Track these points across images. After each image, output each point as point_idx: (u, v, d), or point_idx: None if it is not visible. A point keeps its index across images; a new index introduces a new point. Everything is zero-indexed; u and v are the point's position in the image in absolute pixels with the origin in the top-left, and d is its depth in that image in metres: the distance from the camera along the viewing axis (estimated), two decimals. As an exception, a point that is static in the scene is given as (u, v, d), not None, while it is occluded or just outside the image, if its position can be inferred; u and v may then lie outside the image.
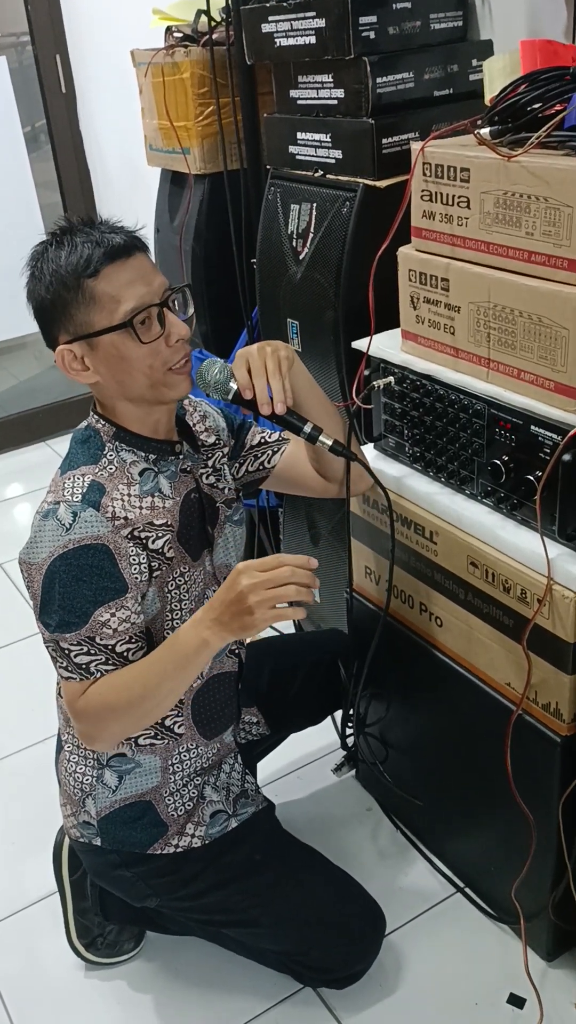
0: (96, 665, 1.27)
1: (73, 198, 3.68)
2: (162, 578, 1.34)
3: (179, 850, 1.47)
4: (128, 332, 1.24)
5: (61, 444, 3.68)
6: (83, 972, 1.68)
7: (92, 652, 1.26)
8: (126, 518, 1.30)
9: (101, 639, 1.26)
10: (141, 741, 1.43)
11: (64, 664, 1.28)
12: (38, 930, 1.76)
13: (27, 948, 1.73)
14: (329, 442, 1.36)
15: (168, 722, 1.43)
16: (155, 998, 1.62)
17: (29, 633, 2.60)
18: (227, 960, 1.63)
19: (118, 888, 1.53)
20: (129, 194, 3.32)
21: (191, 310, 1.35)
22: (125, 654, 1.28)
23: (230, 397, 1.33)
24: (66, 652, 1.27)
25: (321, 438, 1.35)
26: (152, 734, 1.43)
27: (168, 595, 1.36)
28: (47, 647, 1.30)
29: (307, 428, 1.35)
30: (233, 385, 1.32)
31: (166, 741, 1.45)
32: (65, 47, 3.44)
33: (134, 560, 1.29)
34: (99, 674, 1.27)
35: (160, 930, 1.67)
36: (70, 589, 1.24)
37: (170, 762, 1.46)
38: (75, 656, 1.26)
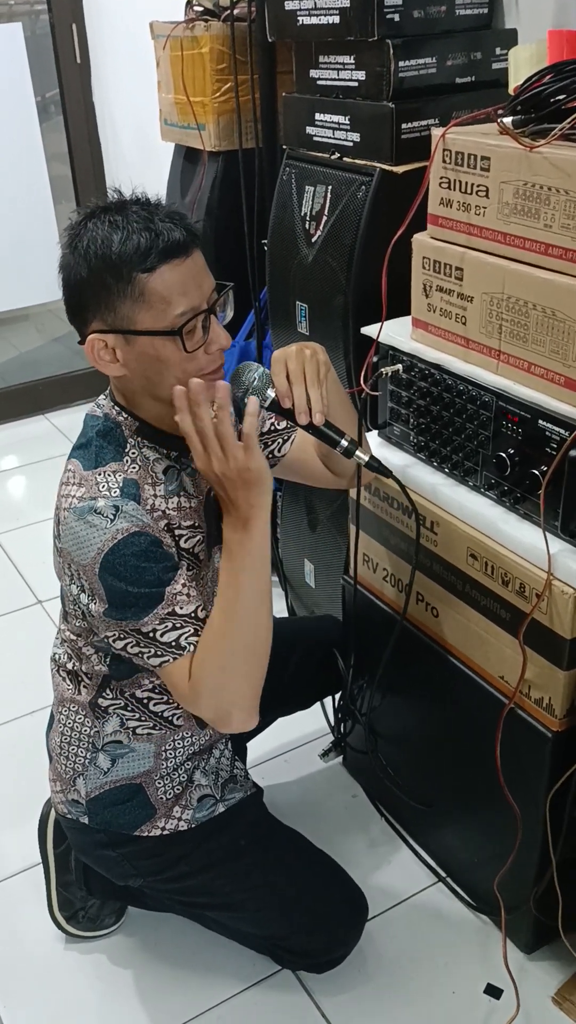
0: (185, 638, 1.23)
1: (84, 171, 3.65)
2: (196, 577, 1.33)
3: (165, 833, 1.46)
4: (174, 339, 1.19)
5: (60, 417, 3.65)
6: (63, 945, 1.68)
7: (177, 626, 1.23)
8: (164, 511, 1.29)
9: (181, 608, 1.23)
10: (139, 731, 1.42)
11: (153, 651, 1.23)
12: (19, 901, 1.76)
13: (7, 919, 1.73)
14: (366, 458, 1.31)
15: (167, 714, 1.43)
16: (134, 973, 1.63)
17: (20, 605, 2.60)
18: (207, 939, 1.64)
19: (102, 866, 1.53)
20: (141, 168, 3.29)
21: (231, 313, 1.29)
22: (205, 619, 1.25)
23: (267, 404, 1.28)
24: (150, 636, 1.23)
25: (358, 453, 1.30)
26: (151, 725, 1.43)
27: (205, 592, 1.34)
28: (127, 644, 1.25)
29: (344, 442, 1.29)
30: (271, 393, 1.27)
31: (163, 731, 1.44)
32: (82, 17, 3.40)
33: (169, 550, 1.27)
34: (190, 647, 1.23)
35: (142, 906, 1.68)
36: (134, 575, 1.20)
37: (164, 748, 1.45)
38: (161, 636, 1.22)
